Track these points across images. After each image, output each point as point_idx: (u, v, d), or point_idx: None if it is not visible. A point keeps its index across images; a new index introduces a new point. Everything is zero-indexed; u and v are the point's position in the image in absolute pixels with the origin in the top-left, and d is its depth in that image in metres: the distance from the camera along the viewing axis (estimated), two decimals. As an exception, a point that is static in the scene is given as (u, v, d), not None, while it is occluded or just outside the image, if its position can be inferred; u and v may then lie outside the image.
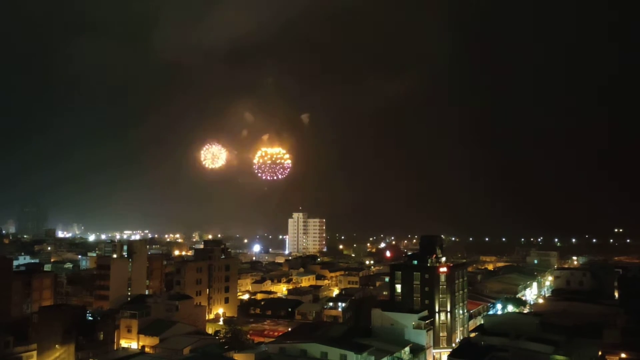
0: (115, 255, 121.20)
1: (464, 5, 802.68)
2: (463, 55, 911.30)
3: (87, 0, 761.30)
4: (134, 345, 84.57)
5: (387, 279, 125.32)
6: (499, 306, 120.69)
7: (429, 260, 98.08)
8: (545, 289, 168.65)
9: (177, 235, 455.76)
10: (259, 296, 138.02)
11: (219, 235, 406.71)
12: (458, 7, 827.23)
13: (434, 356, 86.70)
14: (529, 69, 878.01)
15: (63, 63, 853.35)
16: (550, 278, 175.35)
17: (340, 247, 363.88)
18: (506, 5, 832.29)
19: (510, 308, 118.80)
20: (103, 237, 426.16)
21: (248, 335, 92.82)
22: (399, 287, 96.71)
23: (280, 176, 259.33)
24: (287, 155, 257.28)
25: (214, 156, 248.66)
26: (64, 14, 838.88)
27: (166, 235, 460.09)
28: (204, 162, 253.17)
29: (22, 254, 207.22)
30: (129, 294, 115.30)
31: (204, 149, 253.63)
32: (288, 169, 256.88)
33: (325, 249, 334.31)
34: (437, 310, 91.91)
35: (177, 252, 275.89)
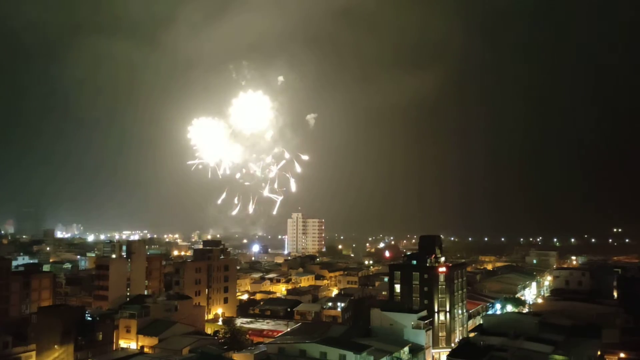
0: (114, 256, 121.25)
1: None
2: (473, 54, 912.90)
3: (96, 2, 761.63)
4: (133, 345, 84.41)
5: (386, 279, 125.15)
6: (498, 306, 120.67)
7: (428, 260, 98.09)
8: (544, 289, 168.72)
9: (176, 235, 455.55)
10: (258, 296, 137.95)
11: (218, 236, 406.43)
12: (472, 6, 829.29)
13: (433, 356, 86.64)
14: (527, 69, 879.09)
15: (67, 65, 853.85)
16: (549, 278, 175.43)
17: (340, 247, 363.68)
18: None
19: (510, 308, 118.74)
20: (102, 237, 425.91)
21: (247, 335, 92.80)
22: (398, 287, 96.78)
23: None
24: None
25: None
26: (69, 16, 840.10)
27: (165, 235, 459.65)
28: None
29: (21, 254, 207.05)
30: (128, 294, 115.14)
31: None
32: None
33: (324, 249, 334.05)
34: (436, 310, 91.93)
35: (176, 252, 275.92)
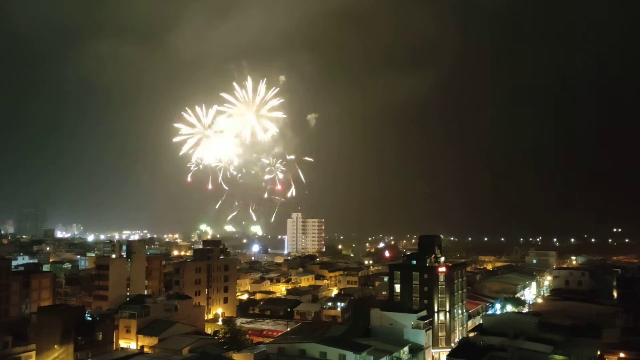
0: (114, 256, 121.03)
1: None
2: (469, 56, 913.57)
3: (102, 4, 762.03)
4: (132, 345, 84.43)
5: (386, 279, 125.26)
6: (497, 306, 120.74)
7: (428, 260, 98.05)
8: (544, 289, 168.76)
9: (176, 235, 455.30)
10: (258, 296, 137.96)
11: (218, 236, 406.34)
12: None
13: (432, 356, 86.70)
14: (530, 71, 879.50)
15: (71, 66, 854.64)
16: (549, 278, 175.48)
17: (339, 247, 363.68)
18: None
19: (509, 308, 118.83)
20: (102, 237, 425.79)
21: (247, 335, 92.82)
22: (398, 287, 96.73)
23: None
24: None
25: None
26: (75, 17, 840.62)
27: (165, 235, 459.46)
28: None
29: (21, 254, 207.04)
30: (128, 294, 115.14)
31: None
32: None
33: (324, 249, 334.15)
34: (436, 310, 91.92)
35: (176, 252, 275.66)
